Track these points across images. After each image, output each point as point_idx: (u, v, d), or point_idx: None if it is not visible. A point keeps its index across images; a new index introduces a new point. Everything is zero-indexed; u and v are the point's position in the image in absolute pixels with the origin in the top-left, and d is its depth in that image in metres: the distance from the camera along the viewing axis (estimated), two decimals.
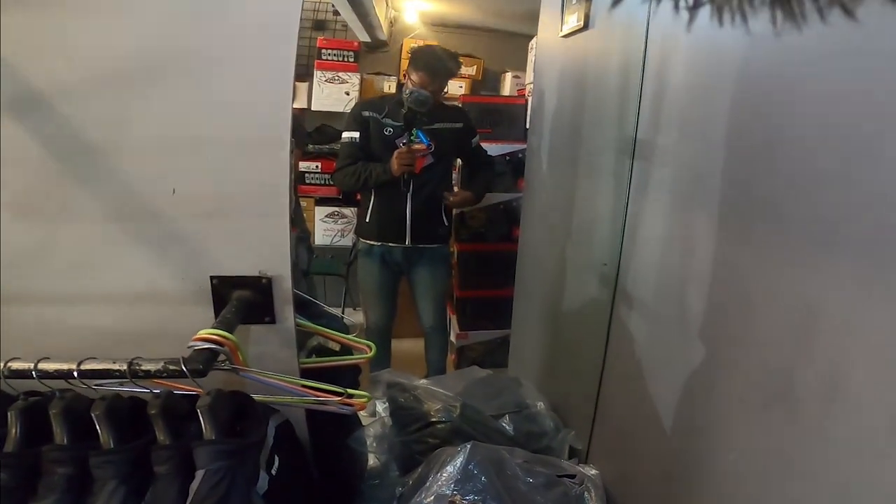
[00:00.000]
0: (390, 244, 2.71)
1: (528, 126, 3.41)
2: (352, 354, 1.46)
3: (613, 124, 1.58)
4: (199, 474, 0.88)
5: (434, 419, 1.64)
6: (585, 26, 1.80)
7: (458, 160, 3.16)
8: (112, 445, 0.91)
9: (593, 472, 1.50)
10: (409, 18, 4.15)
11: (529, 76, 3.71)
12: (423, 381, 1.78)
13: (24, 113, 1.07)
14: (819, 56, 0.80)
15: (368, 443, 1.60)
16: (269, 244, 1.14)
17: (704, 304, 1.08)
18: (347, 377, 1.37)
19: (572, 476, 1.46)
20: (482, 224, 3.35)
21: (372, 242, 2.72)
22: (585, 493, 1.43)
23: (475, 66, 4.42)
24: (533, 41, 3.67)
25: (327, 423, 1.30)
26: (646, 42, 1.38)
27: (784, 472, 0.85)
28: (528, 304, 2.40)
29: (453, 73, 2.63)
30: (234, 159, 1.12)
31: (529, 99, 3.44)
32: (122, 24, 1.07)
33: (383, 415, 1.74)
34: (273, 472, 1.01)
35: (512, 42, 4.23)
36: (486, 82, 4.44)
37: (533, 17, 2.46)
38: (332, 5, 3.44)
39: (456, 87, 4.12)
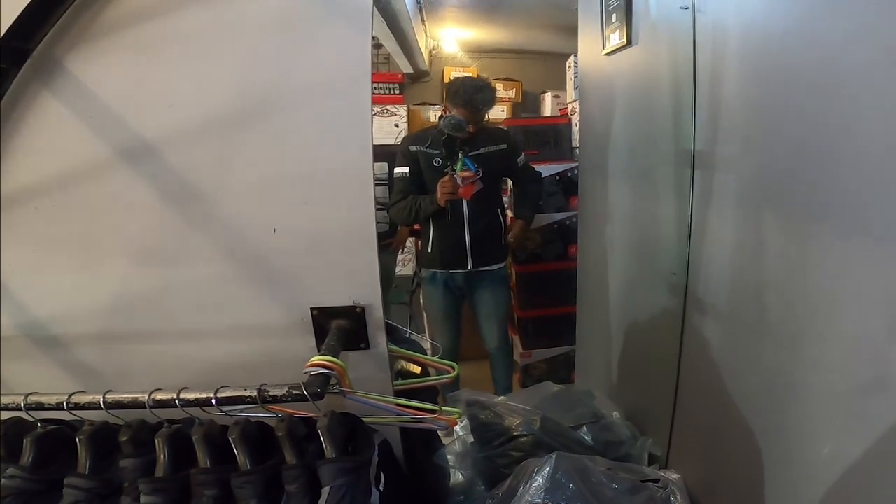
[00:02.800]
0: (452, 270, 2.79)
1: (574, 144, 3.48)
2: (430, 376, 1.53)
3: (669, 137, 1.63)
4: (325, 491, 0.94)
5: (516, 433, 1.69)
6: (629, 43, 1.86)
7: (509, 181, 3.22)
8: (248, 467, 0.98)
9: (675, 476, 1.53)
10: (448, 47, 4.29)
11: (570, 95, 3.77)
12: (501, 398, 1.83)
13: (137, 162, 1.17)
14: (883, 60, 0.84)
15: (451, 460, 1.66)
16: (360, 275, 1.21)
17: (785, 305, 1.11)
18: (426, 399, 1.43)
19: (655, 481, 1.49)
20: (538, 245, 3.39)
21: (434, 270, 2.82)
22: (671, 496, 1.45)
23: (514, 89, 4.51)
24: (570, 60, 3.74)
25: (416, 442, 1.37)
26: (694, 54, 1.43)
27: (885, 464, 0.87)
28: (593, 318, 2.43)
29: (490, 103, 2.69)
30: (324, 196, 1.19)
31: (574, 118, 3.50)
32: (215, 72, 1.16)
33: (461, 433, 1.80)
34: (381, 487, 1.06)
35: (548, 62, 4.31)
36: (527, 104, 4.53)
37: (568, 36, 2.52)
38: (375, 38, 3.57)
39: (497, 112, 4.21)
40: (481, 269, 2.80)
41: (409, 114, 4.06)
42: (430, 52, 4.29)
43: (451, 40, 4.21)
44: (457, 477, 1.64)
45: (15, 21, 1.09)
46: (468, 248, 2.74)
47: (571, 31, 2.55)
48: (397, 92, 4.02)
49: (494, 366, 3.05)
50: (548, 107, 4.22)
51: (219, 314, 1.23)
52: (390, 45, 3.33)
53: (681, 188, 1.51)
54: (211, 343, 1.23)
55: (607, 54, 2.05)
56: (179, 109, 1.17)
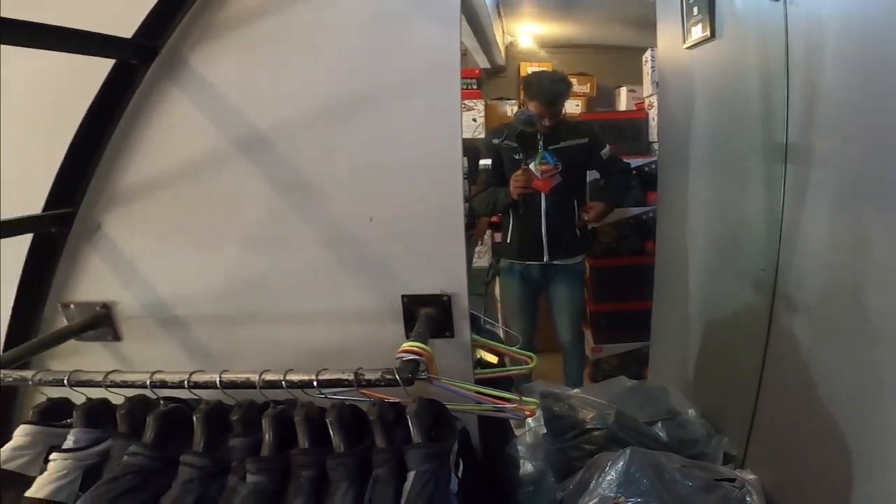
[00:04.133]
0: (529, 262, 2.79)
1: (652, 139, 3.37)
2: (505, 366, 1.53)
3: (758, 131, 1.55)
4: (411, 476, 0.94)
5: (590, 426, 1.65)
6: (712, 36, 1.79)
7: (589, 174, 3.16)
8: (342, 449, 0.99)
9: (752, 476, 1.46)
10: (524, 42, 4.25)
11: (647, 89, 3.66)
12: (576, 391, 1.81)
13: (250, 153, 1.24)
14: None
15: (521, 451, 1.66)
16: (448, 264, 1.23)
17: (886, 304, 1.04)
18: (500, 389, 1.43)
19: (731, 480, 1.44)
20: (613, 239, 3.33)
21: (512, 261, 2.82)
22: (747, 496, 1.39)
23: (589, 84, 4.42)
24: (647, 54, 3.62)
25: (491, 431, 1.37)
26: (787, 47, 1.36)
27: None
28: (670, 314, 2.36)
29: (564, 95, 2.67)
30: (416, 186, 1.22)
31: (651, 112, 3.40)
32: (318, 68, 1.21)
33: (533, 424, 1.79)
34: (459, 474, 1.05)
35: (623, 56, 4.19)
36: (601, 99, 4.43)
37: (644, 30, 2.44)
38: None
39: (572, 107, 4.14)
40: (556, 262, 2.77)
41: (487, 108, 4.04)
42: (507, 47, 4.27)
43: (527, 36, 4.17)
44: (526, 467, 1.63)
45: (144, 20, 1.18)
46: (544, 240, 2.72)
47: (648, 24, 2.48)
48: (475, 87, 4.01)
49: (566, 359, 3.02)
50: (623, 101, 4.12)
51: (317, 299, 1.27)
52: (468, 40, 3.35)
53: (771, 183, 1.44)
54: (308, 327, 1.28)
55: (688, 48, 1.98)
56: (288, 103, 1.23)
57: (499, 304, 3.27)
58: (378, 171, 1.23)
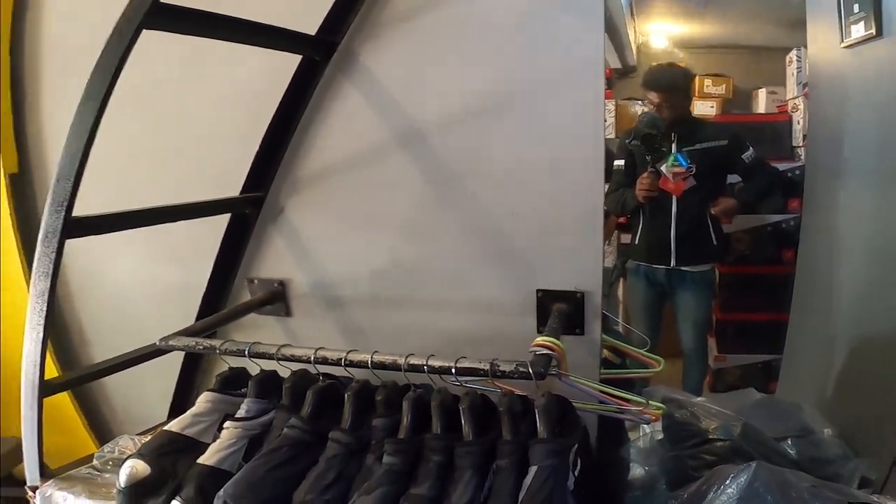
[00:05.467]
0: (655, 265, 2.67)
1: (796, 143, 3.10)
2: (626, 367, 1.49)
3: None
4: (532, 470, 0.92)
5: (713, 436, 1.56)
6: (878, 34, 1.62)
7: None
8: (471, 437, 0.97)
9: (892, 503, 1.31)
10: (657, 42, 4.07)
11: (791, 90, 3.36)
12: (700, 399, 1.73)
13: (409, 146, 1.31)
14: None
15: (634, 454, 1.60)
16: (584, 261, 1.24)
17: None
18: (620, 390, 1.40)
19: None
20: (747, 246, 3.10)
21: (639, 262, 2.72)
22: None
23: (724, 85, 4.13)
24: (792, 54, 3.33)
25: (606, 432, 1.34)
26: None
27: None
28: (810, 326, 2.16)
29: (682, 84, 2.53)
30: (558, 184, 1.23)
31: (795, 115, 3.12)
32: (471, 66, 1.26)
33: (649, 430, 1.72)
34: (576, 473, 1.02)
35: (762, 56, 3.90)
36: (737, 100, 4.13)
37: (788, 29, 2.25)
38: None
39: (707, 108, 3.90)
40: (684, 268, 2.62)
41: (617, 108, 3.89)
42: (639, 47, 4.10)
43: (660, 35, 3.99)
44: (637, 472, 1.57)
45: (325, 18, 1.29)
46: (672, 244, 2.58)
47: (793, 23, 2.29)
48: (606, 87, 3.90)
49: (687, 367, 2.86)
50: (761, 103, 3.81)
51: (458, 288, 1.33)
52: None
53: None
54: (447, 313, 1.33)
55: (847, 47, 1.80)
56: (443, 99, 1.29)
57: (621, 306, 3.17)
58: (522, 167, 1.26)
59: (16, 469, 1.94)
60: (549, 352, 1.02)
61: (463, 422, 0.98)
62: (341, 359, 1.05)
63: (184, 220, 1.41)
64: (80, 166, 1.05)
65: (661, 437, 1.64)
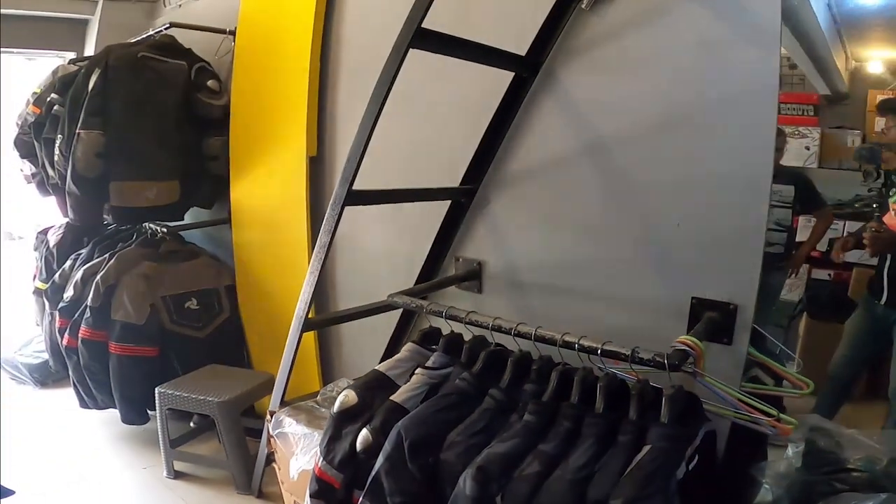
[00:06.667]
0: (873, 299, 2.46)
1: None
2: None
3: None
4: (646, 448, 0.99)
5: (851, 466, 1.50)
6: None
7: None
8: (601, 411, 1.07)
9: None
10: (874, 68, 3.60)
11: None
12: (852, 431, 1.61)
13: (593, 156, 1.49)
14: None
15: (767, 476, 1.55)
16: (741, 276, 1.28)
17: None
18: None
19: None
20: None
21: (865, 290, 2.53)
22: None
23: None
24: None
25: (742, 445, 1.34)
26: None
27: None
28: None
29: None
30: (723, 200, 1.30)
31: None
32: (649, 85, 1.38)
33: (791, 455, 1.63)
34: (690, 467, 1.05)
35: None
36: None
37: None
38: (789, 59, 3.23)
39: None
40: (893, 308, 2.36)
41: (823, 137, 3.52)
42: (851, 73, 3.62)
43: (878, 62, 3.50)
44: (765, 495, 1.52)
45: (534, 39, 1.53)
46: (885, 281, 2.36)
47: None
48: (811, 114, 3.56)
49: (892, 412, 2.51)
50: None
51: (620, 286, 1.48)
52: (805, 66, 3.10)
53: None
54: (607, 307, 1.49)
55: None
56: (624, 115, 1.44)
57: (800, 341, 2.97)
58: (691, 182, 1.35)
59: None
60: (688, 349, 1.08)
61: (598, 396, 1.09)
62: (511, 329, 1.21)
63: (422, 201, 1.78)
64: (363, 152, 1.35)
65: (800, 464, 1.57)
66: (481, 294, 1.76)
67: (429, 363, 1.28)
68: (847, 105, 3.75)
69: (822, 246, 3.23)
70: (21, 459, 2.48)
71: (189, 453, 2.51)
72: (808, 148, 3.54)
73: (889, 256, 2.35)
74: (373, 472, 1.13)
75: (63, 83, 2.73)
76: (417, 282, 1.81)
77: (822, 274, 3.38)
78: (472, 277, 1.76)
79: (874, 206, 2.42)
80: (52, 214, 3.32)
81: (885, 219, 2.28)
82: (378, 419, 1.18)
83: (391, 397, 1.21)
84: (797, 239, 3.10)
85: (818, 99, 3.65)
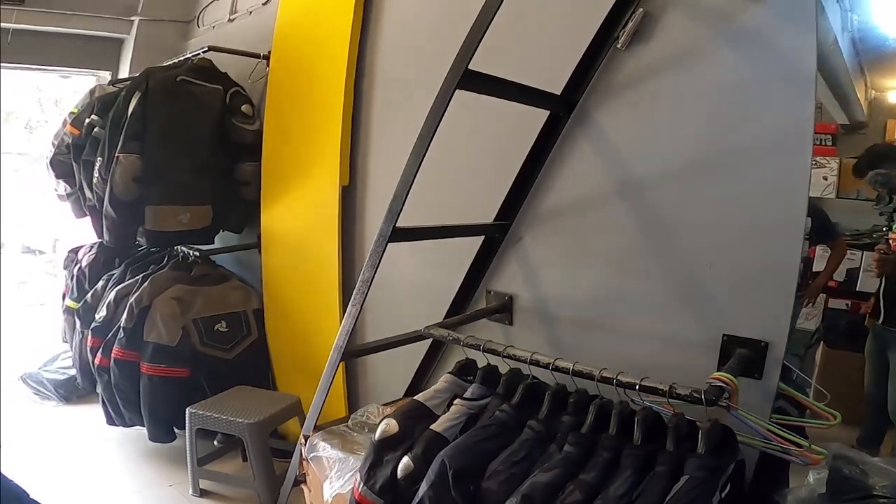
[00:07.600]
0: (873, 319, 2.54)
1: None
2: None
3: None
4: (683, 478, 1.03)
5: (877, 493, 1.48)
6: None
7: None
8: (639, 443, 1.11)
9: None
10: (894, 98, 3.66)
11: None
12: (877, 459, 1.62)
13: (625, 194, 1.50)
14: None
15: (790, 501, 1.57)
16: (773, 315, 1.30)
17: None
18: None
19: None
20: None
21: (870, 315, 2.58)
22: None
23: None
24: None
25: (766, 472, 1.38)
26: None
27: None
28: None
29: None
30: (756, 243, 1.32)
31: None
32: (682, 128, 1.40)
33: (813, 481, 1.65)
34: (723, 495, 1.08)
35: None
36: None
37: None
38: None
39: None
40: (890, 327, 2.44)
41: (841, 167, 3.52)
42: (870, 102, 3.68)
43: None
44: None
45: (569, 79, 1.55)
46: (881, 300, 2.43)
47: None
48: (829, 143, 3.58)
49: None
50: None
51: (652, 322, 1.49)
52: (825, 96, 3.10)
53: None
54: (640, 342, 1.51)
55: None
56: (659, 157, 1.46)
57: (816, 369, 3.02)
58: (723, 224, 1.36)
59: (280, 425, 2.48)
60: (724, 385, 1.12)
61: (635, 429, 1.12)
62: (549, 363, 1.23)
63: (459, 237, 1.81)
64: (408, 190, 1.36)
65: (822, 490, 1.59)
66: (512, 326, 1.79)
67: (467, 394, 1.32)
68: (865, 135, 3.76)
69: (839, 276, 3.27)
70: (46, 475, 2.52)
71: (214, 472, 2.54)
72: (825, 178, 3.56)
73: (884, 278, 2.41)
74: (416, 499, 1.16)
75: (102, 105, 2.79)
76: (448, 313, 1.83)
77: (839, 303, 3.43)
78: (504, 310, 1.79)
79: (884, 228, 2.43)
80: (73, 230, 3.38)
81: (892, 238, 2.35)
82: (419, 447, 1.22)
83: (431, 426, 1.25)
84: (814, 269, 3.14)
85: (836, 128, 3.68)
